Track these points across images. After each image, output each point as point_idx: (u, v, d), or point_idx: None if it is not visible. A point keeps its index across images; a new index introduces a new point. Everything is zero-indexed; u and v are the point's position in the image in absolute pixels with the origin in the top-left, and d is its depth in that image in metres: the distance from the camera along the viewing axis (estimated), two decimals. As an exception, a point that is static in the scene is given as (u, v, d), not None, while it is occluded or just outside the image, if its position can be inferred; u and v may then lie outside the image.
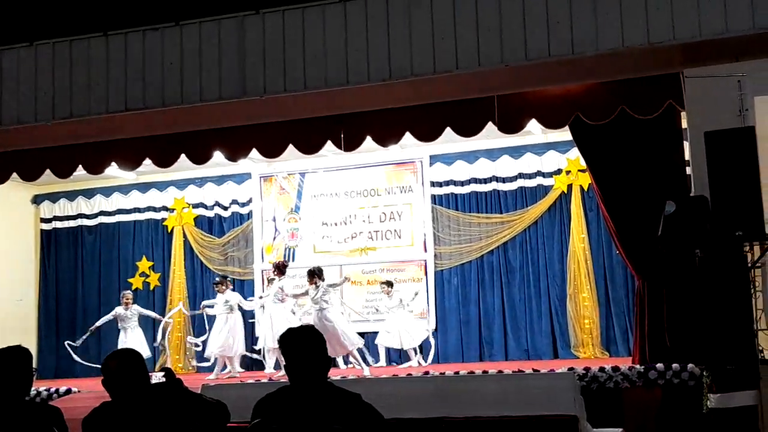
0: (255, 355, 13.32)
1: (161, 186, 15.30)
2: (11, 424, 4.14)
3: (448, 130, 10.30)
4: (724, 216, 7.57)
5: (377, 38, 9.00)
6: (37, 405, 4.68)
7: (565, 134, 11.51)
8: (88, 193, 15.67)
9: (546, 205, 13.39)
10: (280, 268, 12.69)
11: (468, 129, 10.35)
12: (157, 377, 4.41)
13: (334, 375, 9.64)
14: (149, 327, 14.56)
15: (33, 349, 12.66)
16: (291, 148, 10.79)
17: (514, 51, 8.62)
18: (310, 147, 10.88)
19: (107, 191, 15.58)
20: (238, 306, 13.14)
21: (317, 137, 10.67)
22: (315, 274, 12.00)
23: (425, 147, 13.01)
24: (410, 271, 13.91)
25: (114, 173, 13.66)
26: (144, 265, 15.28)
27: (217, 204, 15.18)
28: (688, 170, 9.33)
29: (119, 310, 13.28)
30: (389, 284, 13.17)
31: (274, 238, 14.66)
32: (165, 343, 14.64)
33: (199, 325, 14.13)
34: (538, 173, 13.47)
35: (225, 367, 12.89)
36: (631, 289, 12.09)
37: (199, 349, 13.47)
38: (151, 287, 15.15)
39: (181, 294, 14.75)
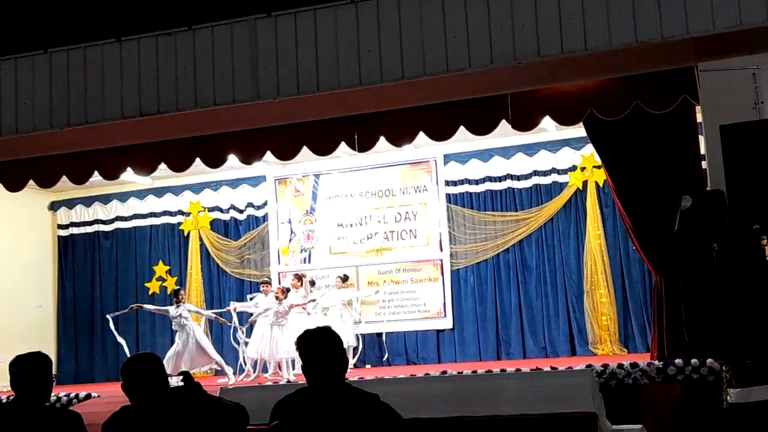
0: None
1: (177, 190, 15.35)
2: (32, 430, 4.17)
3: (461, 128, 10.30)
4: (740, 210, 7.54)
5: (389, 38, 9.01)
6: (57, 410, 4.72)
7: (579, 131, 11.49)
8: (104, 199, 15.74)
9: (561, 202, 13.35)
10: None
11: (482, 127, 10.35)
12: (175, 381, 4.43)
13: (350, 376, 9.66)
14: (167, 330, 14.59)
15: (52, 355, 12.73)
16: (305, 149, 10.82)
17: (526, 48, 8.61)
18: (324, 148, 10.90)
19: (123, 196, 15.65)
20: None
21: (331, 138, 10.69)
22: (178, 293, 12.72)
23: (439, 146, 12.99)
24: (426, 270, 13.90)
25: (130, 178, 13.73)
26: (161, 269, 15.33)
27: (233, 207, 15.22)
28: (704, 164, 9.30)
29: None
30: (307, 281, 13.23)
31: (290, 240, 14.68)
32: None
33: (216, 329, 14.19)
34: (553, 170, 13.43)
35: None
36: (648, 284, 12.04)
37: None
38: (168, 291, 15.19)
39: (198, 298, 14.79)
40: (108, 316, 13.27)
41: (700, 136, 9.61)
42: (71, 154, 11.35)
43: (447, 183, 13.94)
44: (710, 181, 8.69)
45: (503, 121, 10.05)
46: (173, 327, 12.68)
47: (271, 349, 12.27)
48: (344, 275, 13.66)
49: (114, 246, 15.75)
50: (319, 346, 3.62)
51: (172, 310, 12.63)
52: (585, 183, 13.17)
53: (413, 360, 13.75)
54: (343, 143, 10.69)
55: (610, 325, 12.77)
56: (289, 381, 11.51)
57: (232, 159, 11.44)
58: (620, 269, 12.90)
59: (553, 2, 8.56)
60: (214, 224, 15.30)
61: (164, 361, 12.00)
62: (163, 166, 11.65)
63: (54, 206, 15.96)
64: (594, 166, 12.86)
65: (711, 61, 8.78)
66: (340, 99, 9.49)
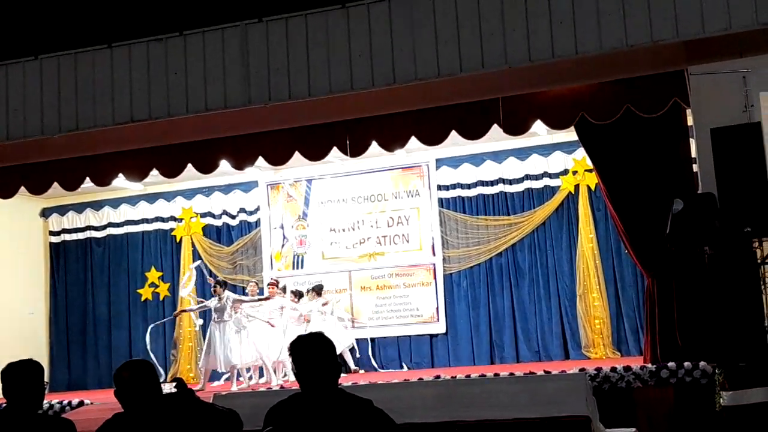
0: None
1: (169, 196, 15.33)
2: (24, 438, 4.15)
3: (453, 133, 10.30)
4: (732, 212, 7.56)
5: (381, 43, 9.01)
6: (50, 418, 4.70)
7: (570, 134, 11.51)
8: (96, 205, 15.71)
9: (553, 206, 13.37)
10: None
11: (473, 132, 10.35)
12: (168, 388, 4.42)
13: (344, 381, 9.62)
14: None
15: (45, 362, 12.69)
16: (297, 155, 10.81)
17: (517, 52, 8.62)
18: (316, 154, 10.90)
19: (115, 203, 15.62)
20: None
21: (323, 144, 10.68)
22: (220, 285, 12.67)
23: (431, 151, 13.01)
24: (419, 275, 13.91)
25: (121, 184, 13.70)
26: (153, 275, 15.30)
27: (225, 213, 15.20)
28: (695, 167, 9.32)
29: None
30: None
31: (283, 246, 14.67)
32: (176, 353, 14.65)
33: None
34: (545, 174, 13.46)
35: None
36: (640, 287, 12.06)
37: None
38: (161, 297, 15.17)
39: (191, 303, 14.74)
40: (151, 326, 13.45)
41: (690, 140, 9.64)
42: (63, 161, 11.31)
43: (439, 187, 13.95)
44: (701, 184, 8.71)
45: (495, 126, 10.05)
46: (213, 321, 12.58)
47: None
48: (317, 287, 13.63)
49: (106, 252, 15.71)
50: (311, 352, 3.62)
51: (213, 303, 12.64)
52: (577, 187, 13.20)
53: (406, 365, 13.74)
54: (335, 148, 10.68)
55: (603, 328, 12.79)
56: (282, 386, 11.49)
57: (224, 164, 11.43)
58: (612, 272, 12.93)
59: (544, 7, 8.57)
60: (207, 230, 15.28)
61: (206, 359, 12.27)
62: (154, 172, 11.63)
63: (45, 213, 15.91)
64: (586, 170, 12.89)
65: (701, 65, 8.80)
66: (332, 104, 9.49)
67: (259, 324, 12.47)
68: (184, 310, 13.85)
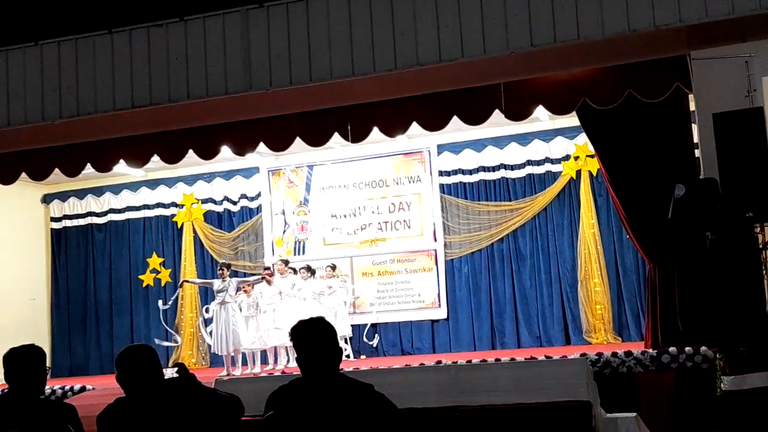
0: None
1: (170, 182, 15.32)
2: (27, 422, 4.17)
3: (455, 118, 10.29)
4: (734, 198, 7.55)
5: (382, 28, 8.99)
6: (51, 403, 4.72)
7: (572, 120, 11.49)
8: (98, 191, 15.71)
9: (555, 192, 13.35)
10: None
11: (475, 117, 10.34)
12: (170, 373, 4.43)
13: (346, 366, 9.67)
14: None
15: (46, 348, 12.72)
16: (298, 140, 10.80)
17: (519, 37, 8.60)
18: (317, 139, 10.88)
19: (116, 189, 15.61)
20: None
21: (324, 129, 10.67)
22: (225, 267, 12.85)
23: (433, 136, 12.99)
24: (420, 261, 13.91)
25: (122, 170, 13.70)
26: (154, 261, 15.31)
27: (226, 199, 15.19)
28: (697, 153, 9.33)
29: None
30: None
31: (284, 232, 14.67)
32: (178, 338, 14.67)
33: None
34: (547, 160, 13.43)
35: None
36: (642, 273, 12.05)
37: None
38: (162, 283, 15.18)
39: (192, 289, 14.77)
40: (161, 308, 13.77)
41: (693, 125, 9.62)
42: (64, 147, 11.32)
43: (440, 173, 13.94)
44: (703, 170, 8.71)
45: (496, 111, 10.04)
46: (215, 302, 12.78)
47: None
48: (332, 264, 13.72)
49: (107, 238, 15.72)
50: (312, 337, 3.62)
51: (216, 283, 12.82)
52: (578, 172, 13.17)
53: (408, 350, 13.76)
54: (336, 134, 10.67)
55: (604, 313, 12.79)
56: (284, 372, 11.52)
57: (225, 150, 11.42)
58: (614, 258, 12.92)
59: (546, -9, 8.55)
60: (208, 216, 15.27)
61: (216, 342, 12.41)
62: (156, 158, 11.62)
63: (47, 199, 15.92)
64: (587, 156, 12.86)
65: (704, 50, 8.78)
66: (333, 89, 9.47)
67: (270, 308, 12.54)
68: (188, 281, 14.22)
